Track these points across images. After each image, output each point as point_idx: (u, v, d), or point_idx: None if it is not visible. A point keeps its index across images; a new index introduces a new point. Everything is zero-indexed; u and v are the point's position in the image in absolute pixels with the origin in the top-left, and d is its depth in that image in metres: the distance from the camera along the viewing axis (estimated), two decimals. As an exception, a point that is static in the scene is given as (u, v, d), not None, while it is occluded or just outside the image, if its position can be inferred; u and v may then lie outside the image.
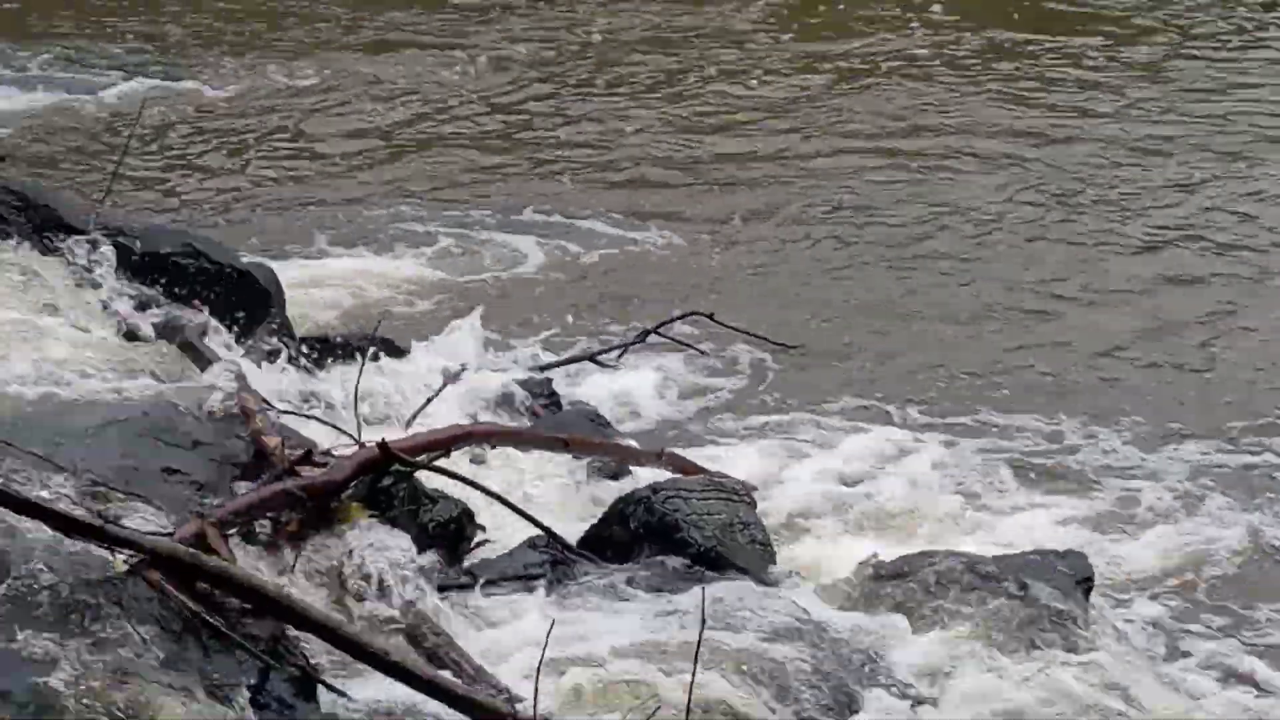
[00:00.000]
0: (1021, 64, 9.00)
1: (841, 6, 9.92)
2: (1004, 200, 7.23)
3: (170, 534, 3.67)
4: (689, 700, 3.23)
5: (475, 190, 7.31)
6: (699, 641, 3.25)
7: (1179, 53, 9.24)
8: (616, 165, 7.70)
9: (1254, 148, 7.90)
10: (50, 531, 3.57)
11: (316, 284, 5.86)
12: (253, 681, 3.61)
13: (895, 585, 4.05)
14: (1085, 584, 4.15)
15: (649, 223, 6.95)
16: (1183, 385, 5.71)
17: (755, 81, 8.68)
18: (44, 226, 5.03)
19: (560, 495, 4.83)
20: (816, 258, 6.71)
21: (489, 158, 7.85)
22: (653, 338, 5.44)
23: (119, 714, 3.34)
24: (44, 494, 3.74)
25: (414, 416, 4.59)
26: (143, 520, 3.74)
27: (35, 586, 3.47)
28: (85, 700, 3.31)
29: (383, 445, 4.03)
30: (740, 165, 7.66)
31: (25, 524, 3.60)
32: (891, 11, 9.74)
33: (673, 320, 5.37)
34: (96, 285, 4.78)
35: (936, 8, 9.65)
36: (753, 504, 4.54)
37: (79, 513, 3.69)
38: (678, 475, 4.71)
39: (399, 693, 3.66)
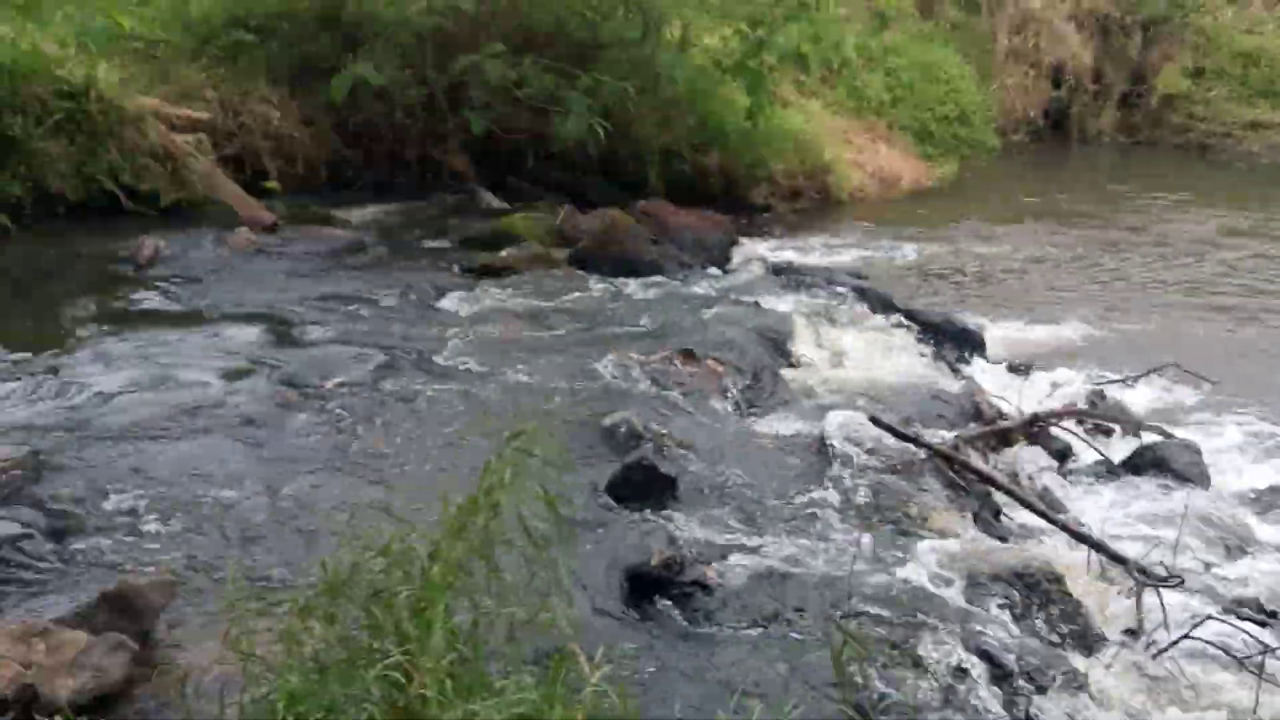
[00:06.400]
0: None
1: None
2: None
3: (942, 442, 6.04)
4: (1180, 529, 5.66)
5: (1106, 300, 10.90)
6: (1184, 512, 5.78)
7: None
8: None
9: None
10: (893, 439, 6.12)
11: (1001, 338, 9.19)
12: (976, 508, 5.74)
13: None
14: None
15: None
16: None
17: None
18: (886, 308, 8.65)
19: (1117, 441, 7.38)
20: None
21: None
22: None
23: (912, 517, 5.43)
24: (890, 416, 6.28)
25: (1044, 403, 7.80)
26: (930, 435, 6.20)
27: (871, 462, 5.83)
28: (898, 504, 5.41)
29: (1034, 414, 7.05)
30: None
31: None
32: None
33: (1164, 366, 8.48)
34: (907, 333, 8.39)
35: None
36: (1198, 451, 6.84)
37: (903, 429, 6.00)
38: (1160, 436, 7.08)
39: (1037, 523, 5.73)
